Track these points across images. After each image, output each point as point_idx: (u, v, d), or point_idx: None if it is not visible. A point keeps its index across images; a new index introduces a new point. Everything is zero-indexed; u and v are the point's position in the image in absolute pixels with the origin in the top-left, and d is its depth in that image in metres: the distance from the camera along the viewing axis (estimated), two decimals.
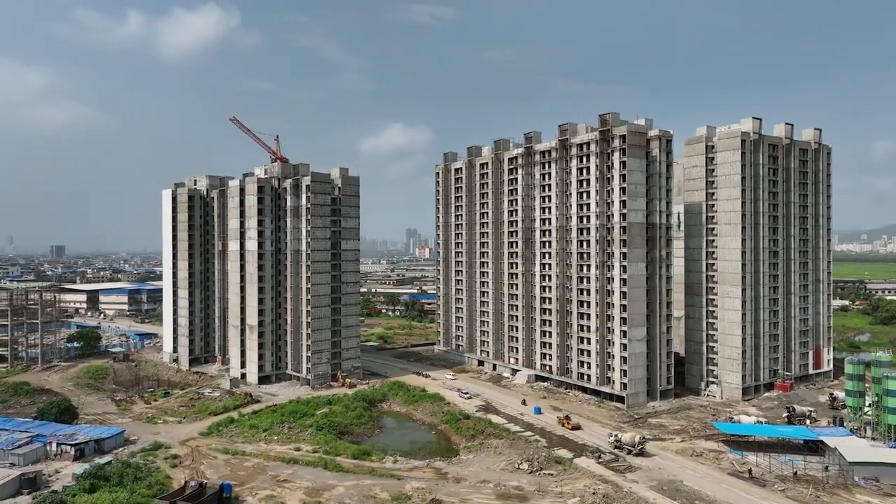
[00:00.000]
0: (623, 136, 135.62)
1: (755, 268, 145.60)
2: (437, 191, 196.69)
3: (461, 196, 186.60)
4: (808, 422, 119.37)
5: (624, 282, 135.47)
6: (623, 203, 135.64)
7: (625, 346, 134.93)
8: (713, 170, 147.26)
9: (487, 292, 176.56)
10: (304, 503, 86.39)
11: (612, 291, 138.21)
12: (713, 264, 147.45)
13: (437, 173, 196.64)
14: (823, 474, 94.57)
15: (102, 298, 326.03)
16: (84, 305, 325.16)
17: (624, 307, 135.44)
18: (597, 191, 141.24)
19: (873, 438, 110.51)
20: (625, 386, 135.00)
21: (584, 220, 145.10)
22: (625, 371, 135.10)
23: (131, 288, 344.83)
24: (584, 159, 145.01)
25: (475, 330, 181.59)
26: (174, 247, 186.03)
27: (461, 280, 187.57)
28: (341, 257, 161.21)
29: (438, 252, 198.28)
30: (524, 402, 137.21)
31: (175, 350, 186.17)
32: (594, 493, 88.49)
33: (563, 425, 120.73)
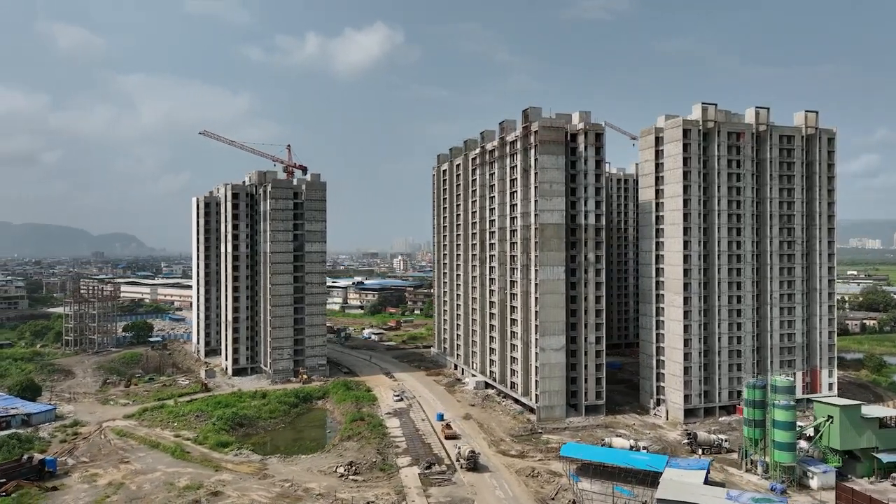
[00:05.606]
0: (536, 132, 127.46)
1: (707, 274, 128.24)
2: (433, 192, 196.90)
3: (447, 198, 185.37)
4: (700, 451, 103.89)
5: (537, 286, 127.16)
6: (536, 203, 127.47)
7: (537, 356, 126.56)
8: (662, 164, 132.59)
9: (460, 295, 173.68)
10: (112, 483, 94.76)
11: (530, 296, 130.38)
12: (663, 269, 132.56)
13: (433, 175, 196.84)
14: None
15: None
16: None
17: (537, 314, 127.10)
18: (522, 189, 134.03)
19: (767, 476, 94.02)
20: (538, 398, 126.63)
21: (514, 221, 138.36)
22: (538, 382, 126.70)
23: None
24: (514, 157, 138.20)
25: (454, 333, 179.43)
26: (197, 249, 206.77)
27: (446, 282, 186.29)
28: (305, 259, 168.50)
29: (434, 254, 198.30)
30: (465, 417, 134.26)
31: (198, 342, 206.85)
32: None
33: (442, 433, 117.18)
